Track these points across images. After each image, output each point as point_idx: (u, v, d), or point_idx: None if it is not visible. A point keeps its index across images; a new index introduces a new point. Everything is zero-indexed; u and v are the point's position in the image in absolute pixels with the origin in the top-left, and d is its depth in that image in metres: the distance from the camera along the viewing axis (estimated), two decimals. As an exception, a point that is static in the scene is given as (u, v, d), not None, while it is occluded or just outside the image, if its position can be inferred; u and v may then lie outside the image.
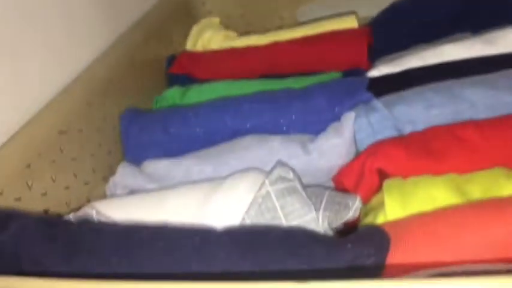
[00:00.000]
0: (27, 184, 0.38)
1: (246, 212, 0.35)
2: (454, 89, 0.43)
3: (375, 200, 0.38)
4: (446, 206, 0.34)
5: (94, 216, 0.36)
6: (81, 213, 0.36)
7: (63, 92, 0.46)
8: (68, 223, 0.33)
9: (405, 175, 0.38)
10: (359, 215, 0.38)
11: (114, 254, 0.29)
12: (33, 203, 0.39)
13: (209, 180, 0.43)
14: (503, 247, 0.29)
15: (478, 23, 0.59)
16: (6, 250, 0.30)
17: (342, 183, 0.42)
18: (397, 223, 0.33)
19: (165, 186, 0.44)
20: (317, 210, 0.36)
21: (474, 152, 0.38)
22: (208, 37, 0.68)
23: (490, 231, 0.29)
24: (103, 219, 0.36)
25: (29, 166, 0.39)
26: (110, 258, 0.29)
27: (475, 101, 0.42)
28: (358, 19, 0.64)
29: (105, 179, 0.48)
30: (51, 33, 0.47)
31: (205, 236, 0.30)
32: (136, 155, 0.50)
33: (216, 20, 0.73)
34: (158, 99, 0.58)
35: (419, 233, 0.31)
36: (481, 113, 0.42)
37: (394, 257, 0.29)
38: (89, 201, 0.46)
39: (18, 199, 0.37)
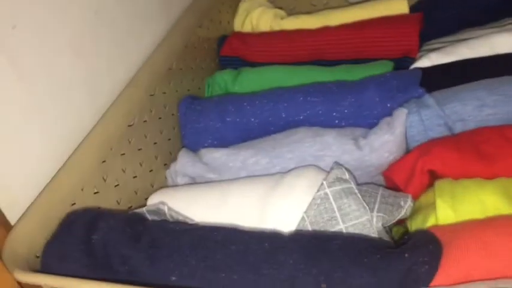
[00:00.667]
0: (103, 178, 0.42)
1: (305, 212, 0.38)
2: (507, 89, 0.44)
3: (423, 199, 0.40)
4: (496, 213, 0.36)
5: (166, 212, 0.39)
6: (154, 208, 0.40)
7: (129, 86, 0.48)
8: (147, 222, 0.37)
9: (456, 177, 0.40)
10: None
11: (193, 255, 0.33)
12: (108, 195, 0.43)
13: (264, 173, 0.46)
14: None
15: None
16: (98, 249, 0.34)
17: (392, 179, 0.44)
18: (447, 229, 0.35)
19: (223, 177, 0.47)
20: (371, 211, 0.38)
21: (525, 156, 0.40)
22: (256, 16, 0.69)
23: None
24: (174, 214, 0.40)
25: (104, 161, 0.42)
26: (188, 259, 0.33)
27: (530, 101, 0.43)
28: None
29: (167, 165, 0.52)
30: (115, 29, 0.49)
31: (274, 241, 0.33)
32: (193, 141, 0.53)
33: (262, -5, 0.74)
34: (210, 82, 0.60)
35: (471, 241, 0.33)
36: (534, 114, 0.43)
37: (446, 265, 0.32)
38: (152, 186, 0.49)
39: (97, 193, 0.41)
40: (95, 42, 0.46)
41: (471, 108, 0.44)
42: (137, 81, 0.49)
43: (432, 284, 0.32)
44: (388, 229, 0.41)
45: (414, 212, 0.41)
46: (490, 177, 0.39)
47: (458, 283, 0.31)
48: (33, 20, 0.38)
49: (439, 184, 0.39)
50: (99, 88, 0.46)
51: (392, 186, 0.45)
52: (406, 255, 0.32)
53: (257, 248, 0.33)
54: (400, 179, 0.43)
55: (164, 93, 0.53)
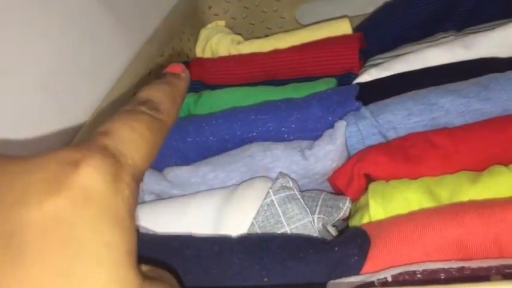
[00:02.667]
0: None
1: (254, 218, 0.43)
2: (431, 98, 0.50)
3: (362, 200, 0.46)
4: (419, 208, 0.41)
5: (131, 226, 0.44)
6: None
7: (94, 115, 0.53)
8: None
9: (388, 178, 0.46)
10: (350, 212, 0.46)
11: (151, 261, 0.37)
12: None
13: (222, 186, 0.51)
14: (459, 246, 0.36)
15: (462, 22, 0.65)
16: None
17: (335, 185, 0.49)
18: (377, 224, 0.40)
19: (186, 192, 0.52)
20: (313, 213, 0.43)
21: (445, 157, 0.45)
22: (215, 41, 0.74)
23: (449, 233, 0.36)
24: (139, 228, 0.44)
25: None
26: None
27: (449, 108, 0.49)
28: (352, 21, 0.69)
29: (134, 185, 0.56)
30: (79, 59, 0.54)
31: (223, 244, 0.38)
32: (159, 162, 0.57)
33: (221, 23, 0.79)
34: (174, 107, 0.65)
35: (394, 233, 0.38)
36: (454, 120, 0.48)
37: (373, 255, 0.37)
38: (122, 205, 0.54)
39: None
40: (62, 77, 0.51)
41: (401, 117, 0.50)
42: (102, 111, 0.54)
43: (361, 272, 0.37)
44: (336, 228, 0.46)
45: (354, 212, 0.46)
46: (416, 177, 0.45)
47: (383, 269, 0.36)
48: None
49: (372, 186, 0.45)
50: (66, 120, 0.50)
51: (337, 191, 0.50)
52: (336, 248, 0.36)
53: (208, 251, 0.37)
54: (341, 183, 0.48)
55: (129, 119, 0.57)
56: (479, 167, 0.44)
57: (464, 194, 0.40)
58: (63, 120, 0.50)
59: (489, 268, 0.33)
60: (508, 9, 0.64)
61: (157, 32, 0.68)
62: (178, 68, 0.29)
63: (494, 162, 0.43)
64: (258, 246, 0.37)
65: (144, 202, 0.53)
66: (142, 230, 0.44)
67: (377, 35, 0.69)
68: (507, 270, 0.33)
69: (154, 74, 0.64)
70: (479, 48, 0.56)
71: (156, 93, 0.26)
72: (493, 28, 0.59)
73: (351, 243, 0.37)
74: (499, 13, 0.64)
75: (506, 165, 0.42)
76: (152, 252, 0.38)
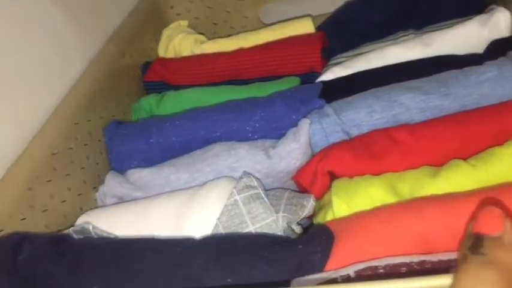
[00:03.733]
0: (30, 205, 0.45)
1: (218, 219, 0.42)
2: (392, 95, 0.50)
3: (326, 198, 0.46)
4: (382, 203, 0.41)
5: (91, 230, 0.42)
6: (79, 228, 0.43)
7: (52, 117, 0.51)
8: (73, 240, 0.40)
9: (351, 175, 0.46)
10: (314, 210, 0.46)
11: (112, 265, 0.36)
12: (36, 221, 0.45)
13: (186, 187, 0.50)
14: (422, 240, 0.36)
15: (422, 20, 0.67)
16: (23, 269, 0.36)
17: (300, 183, 0.49)
18: (340, 221, 0.40)
19: (149, 195, 0.50)
20: (277, 212, 0.43)
21: (407, 153, 0.45)
22: (178, 41, 0.73)
23: (411, 227, 0.37)
24: (99, 231, 0.43)
25: (30, 189, 0.45)
26: (110, 270, 0.36)
27: (410, 105, 0.49)
28: (315, 21, 0.70)
29: (96, 188, 0.55)
30: (37, 59, 0.52)
31: (186, 246, 0.37)
32: (120, 164, 0.56)
33: (184, 22, 0.78)
34: (136, 108, 0.64)
35: (358, 229, 0.38)
36: (415, 116, 0.49)
37: (337, 252, 0.37)
38: (82, 210, 0.52)
39: (24, 219, 0.44)
40: (17, 75, 0.49)
41: (363, 114, 0.50)
42: (60, 111, 0.52)
43: (325, 269, 0.36)
44: (301, 226, 0.46)
45: (318, 209, 0.46)
46: (379, 173, 0.45)
47: (347, 266, 0.36)
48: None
49: (335, 183, 0.45)
50: (23, 120, 0.49)
51: (301, 189, 0.50)
52: (300, 246, 0.36)
53: (170, 253, 0.36)
54: (305, 181, 0.48)
55: (89, 120, 0.56)
56: (439, 161, 0.44)
57: (425, 188, 0.41)
58: (19, 124, 0.48)
59: (449, 261, 0.34)
60: (465, 8, 0.66)
61: (118, 32, 0.67)
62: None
63: (453, 156, 0.44)
64: (221, 246, 0.37)
65: (105, 205, 0.52)
66: (103, 234, 0.43)
67: (339, 34, 0.69)
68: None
69: (115, 75, 0.62)
70: (438, 46, 0.57)
71: None
72: (451, 26, 0.60)
73: (314, 241, 0.37)
74: (457, 12, 0.65)
75: (465, 159, 0.43)
76: (113, 255, 0.37)
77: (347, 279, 0.33)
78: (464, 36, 0.58)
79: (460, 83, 0.49)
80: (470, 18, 0.59)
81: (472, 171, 0.41)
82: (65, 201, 0.50)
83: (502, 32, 0.57)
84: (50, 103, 0.53)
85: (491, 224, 0.28)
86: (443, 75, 0.51)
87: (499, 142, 0.43)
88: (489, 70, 0.49)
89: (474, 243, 0.28)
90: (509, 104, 0.47)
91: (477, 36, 0.57)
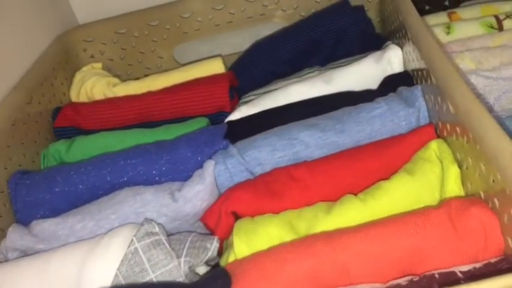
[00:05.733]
0: None
1: (118, 269, 0.42)
2: (292, 133, 0.52)
3: (230, 239, 0.46)
4: (280, 242, 0.42)
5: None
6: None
7: None
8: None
9: (254, 214, 0.47)
10: (222, 251, 0.47)
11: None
12: None
13: (92, 236, 0.49)
14: (313, 277, 0.38)
15: (326, 57, 0.70)
16: None
17: (206, 224, 0.50)
18: (239, 262, 0.41)
19: (53, 246, 0.49)
20: (179, 257, 0.43)
21: (306, 189, 0.47)
22: (90, 85, 0.73)
23: (302, 265, 0.38)
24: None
25: None
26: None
27: (309, 142, 0.51)
28: (225, 60, 0.72)
29: (-2, 242, 0.53)
30: None
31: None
32: (26, 215, 0.55)
33: (98, 65, 0.78)
34: (44, 155, 0.62)
35: (253, 270, 0.39)
36: (314, 153, 0.51)
37: (233, 294, 0.37)
38: (-17, 266, 0.50)
39: None
40: None
41: (265, 153, 0.52)
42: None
43: (222, 313, 0.37)
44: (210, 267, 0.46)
45: (224, 250, 0.46)
46: (280, 210, 0.46)
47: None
48: None
49: (237, 224, 0.45)
50: None
51: (209, 230, 0.50)
52: (196, 291, 0.36)
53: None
54: (211, 223, 0.49)
55: (-10, 171, 0.54)
56: (336, 195, 0.46)
57: (320, 224, 0.42)
58: None
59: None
60: (365, 44, 0.70)
61: (25, 79, 0.66)
62: None
63: (348, 190, 0.46)
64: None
65: (5, 261, 0.50)
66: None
67: (249, 72, 0.71)
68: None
69: (21, 123, 0.61)
70: (337, 83, 0.60)
71: None
72: (350, 63, 0.63)
73: (211, 285, 0.37)
74: (357, 48, 0.69)
75: (358, 192, 0.45)
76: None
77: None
78: (361, 73, 0.61)
79: (353, 119, 0.52)
80: (367, 56, 0.63)
81: (362, 206, 0.43)
82: (-39, 259, 0.48)
83: (395, 68, 0.61)
84: None
85: None
86: (339, 113, 0.53)
87: (389, 175, 0.46)
88: (379, 106, 0.52)
89: None
90: (398, 138, 0.49)
91: (372, 72, 0.61)
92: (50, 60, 0.72)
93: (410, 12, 0.58)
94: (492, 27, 0.62)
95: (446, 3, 0.75)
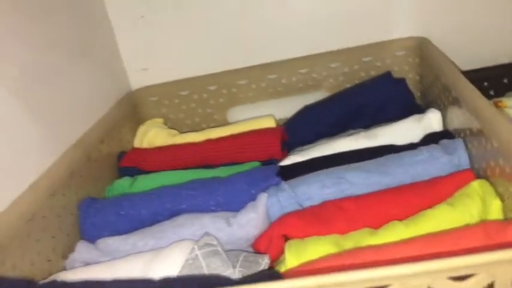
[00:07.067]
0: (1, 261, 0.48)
1: (180, 272, 0.46)
2: (340, 173, 0.57)
3: (282, 256, 0.50)
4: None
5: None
6: (48, 281, 0.46)
7: (30, 188, 0.56)
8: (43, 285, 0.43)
9: (302, 237, 0.51)
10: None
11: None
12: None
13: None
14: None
15: (369, 121, 0.76)
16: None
17: (258, 248, 0.53)
18: (290, 270, 0.45)
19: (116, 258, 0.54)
20: (234, 267, 0.47)
21: (352, 218, 0.51)
22: (152, 135, 0.81)
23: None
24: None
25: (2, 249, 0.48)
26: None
27: (354, 181, 0.56)
28: (276, 120, 0.79)
29: (64, 256, 0.57)
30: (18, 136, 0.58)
31: (146, 284, 0.40)
32: (91, 235, 0.60)
33: (159, 120, 0.87)
34: (109, 189, 0.69)
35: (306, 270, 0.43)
36: (359, 190, 0.56)
37: None
38: (50, 274, 0.54)
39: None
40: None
41: (315, 188, 0.56)
42: (38, 184, 0.57)
43: None
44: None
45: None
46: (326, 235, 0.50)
47: None
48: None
49: (288, 242, 0.49)
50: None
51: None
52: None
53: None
54: (263, 246, 0.53)
55: (64, 195, 0.60)
56: (379, 225, 0.50)
57: (365, 243, 0.46)
58: None
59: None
60: (405, 113, 0.76)
61: (100, 121, 0.74)
62: None
63: (392, 220, 0.50)
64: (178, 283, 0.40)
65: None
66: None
67: (298, 131, 0.78)
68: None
69: (94, 159, 0.68)
70: (379, 139, 0.66)
71: None
72: (391, 123, 0.69)
73: (259, 275, 0.41)
74: (397, 117, 0.75)
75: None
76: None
77: None
78: (402, 131, 0.67)
79: (396, 163, 0.57)
80: (408, 117, 0.69)
81: (405, 229, 0.46)
82: (33, 263, 0.52)
83: (434, 128, 0.67)
84: (31, 178, 0.57)
85: None
86: (383, 158, 0.59)
87: (430, 210, 0.50)
88: (421, 153, 0.57)
89: None
90: (439, 179, 0.54)
91: (413, 131, 0.66)
92: (120, 111, 0.81)
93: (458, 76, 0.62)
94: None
95: (492, 92, 0.79)
